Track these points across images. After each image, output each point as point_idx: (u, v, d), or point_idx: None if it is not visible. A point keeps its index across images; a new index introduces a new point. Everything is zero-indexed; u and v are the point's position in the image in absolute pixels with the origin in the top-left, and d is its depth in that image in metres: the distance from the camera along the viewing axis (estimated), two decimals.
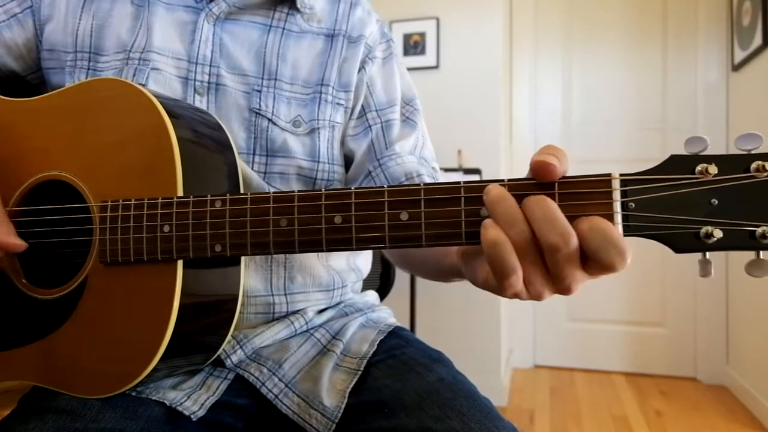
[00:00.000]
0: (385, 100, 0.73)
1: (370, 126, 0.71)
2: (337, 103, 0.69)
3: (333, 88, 0.69)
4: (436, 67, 2.29)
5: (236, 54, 0.66)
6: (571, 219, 0.40)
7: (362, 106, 0.72)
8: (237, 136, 0.64)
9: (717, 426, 2.04)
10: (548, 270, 0.40)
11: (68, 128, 0.57)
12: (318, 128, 0.67)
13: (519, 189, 0.41)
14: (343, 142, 0.72)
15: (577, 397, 2.32)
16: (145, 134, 0.53)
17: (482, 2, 2.25)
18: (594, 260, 0.38)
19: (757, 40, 2.05)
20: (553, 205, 0.39)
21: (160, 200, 0.50)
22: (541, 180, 0.41)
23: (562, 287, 0.40)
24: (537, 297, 0.41)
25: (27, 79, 0.71)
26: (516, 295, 0.42)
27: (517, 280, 0.40)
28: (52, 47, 0.67)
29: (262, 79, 0.66)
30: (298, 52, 0.68)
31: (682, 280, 2.52)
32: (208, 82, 0.64)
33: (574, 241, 0.38)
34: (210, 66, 0.65)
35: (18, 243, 0.54)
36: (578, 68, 2.66)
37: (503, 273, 0.40)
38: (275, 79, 0.66)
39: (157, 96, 0.54)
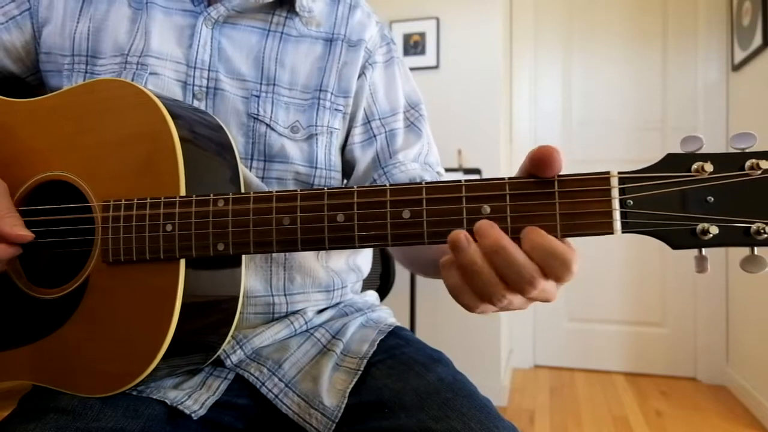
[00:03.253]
0: (387, 108, 0.72)
1: (374, 135, 0.71)
2: (336, 109, 0.69)
3: (332, 93, 0.69)
4: (436, 67, 2.30)
5: (234, 59, 0.66)
6: (571, 217, 0.40)
7: (365, 113, 0.72)
8: (235, 141, 0.64)
9: (717, 426, 2.04)
10: (520, 294, 0.41)
11: (70, 128, 0.57)
12: (316, 134, 0.67)
13: (519, 188, 0.42)
14: (345, 150, 0.72)
15: (577, 397, 2.32)
16: (147, 134, 0.53)
17: (482, 2, 2.25)
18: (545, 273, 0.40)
19: (757, 40, 2.05)
20: (511, 253, 0.40)
21: (162, 199, 0.51)
22: (542, 170, 0.41)
23: (540, 299, 0.42)
24: (519, 309, 0.43)
25: (27, 81, 0.71)
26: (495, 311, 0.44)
27: (486, 309, 0.42)
28: (49, 50, 0.67)
29: (261, 84, 0.66)
30: (296, 56, 0.68)
31: (682, 280, 2.52)
32: (207, 87, 0.64)
33: (532, 272, 0.39)
34: (208, 71, 0.64)
35: (25, 234, 0.54)
36: (578, 68, 2.67)
37: (469, 309, 0.43)
38: (273, 84, 0.66)
39: (158, 96, 0.54)
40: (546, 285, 0.40)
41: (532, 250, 0.39)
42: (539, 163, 0.40)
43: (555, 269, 0.39)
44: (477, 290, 0.41)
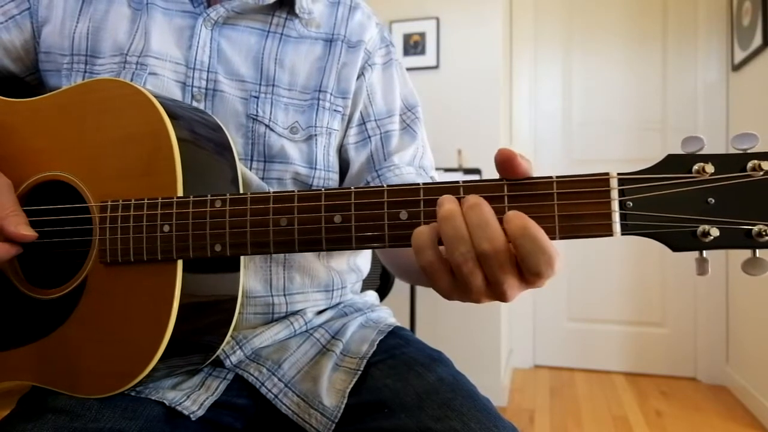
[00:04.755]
0: (384, 110, 0.72)
1: (369, 137, 0.71)
2: (335, 110, 0.69)
3: (331, 94, 0.68)
4: (436, 67, 2.29)
5: (234, 60, 0.66)
6: (569, 219, 0.40)
7: (361, 114, 0.71)
8: (234, 141, 0.63)
9: (717, 426, 2.04)
10: (486, 277, 0.41)
11: (68, 128, 0.57)
12: (315, 135, 0.67)
13: (517, 189, 0.42)
14: (340, 150, 0.72)
15: (577, 397, 2.32)
16: (145, 134, 0.53)
17: (482, 2, 2.25)
18: (522, 264, 0.39)
19: (757, 40, 2.05)
20: (486, 212, 0.40)
21: (160, 200, 0.51)
22: (507, 172, 0.42)
23: (498, 293, 0.41)
24: (474, 301, 0.43)
25: (26, 80, 0.71)
26: (453, 299, 0.44)
27: (451, 292, 0.43)
28: (48, 50, 0.66)
29: (260, 85, 0.66)
30: (296, 57, 0.68)
31: (682, 280, 2.52)
32: (206, 88, 0.64)
33: (502, 246, 0.39)
34: (208, 72, 0.64)
35: (29, 233, 0.54)
36: (578, 68, 2.66)
37: (438, 289, 0.43)
38: (273, 85, 0.66)
39: (156, 96, 0.54)
40: (512, 278, 0.40)
41: (516, 229, 0.39)
42: (503, 165, 0.41)
43: (538, 260, 0.38)
44: (445, 241, 0.40)
